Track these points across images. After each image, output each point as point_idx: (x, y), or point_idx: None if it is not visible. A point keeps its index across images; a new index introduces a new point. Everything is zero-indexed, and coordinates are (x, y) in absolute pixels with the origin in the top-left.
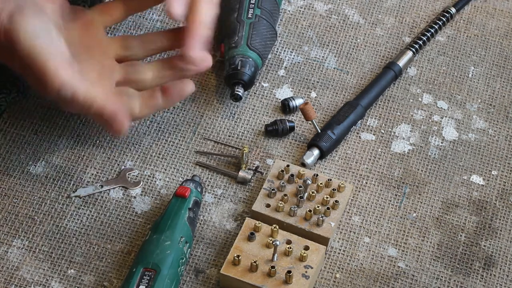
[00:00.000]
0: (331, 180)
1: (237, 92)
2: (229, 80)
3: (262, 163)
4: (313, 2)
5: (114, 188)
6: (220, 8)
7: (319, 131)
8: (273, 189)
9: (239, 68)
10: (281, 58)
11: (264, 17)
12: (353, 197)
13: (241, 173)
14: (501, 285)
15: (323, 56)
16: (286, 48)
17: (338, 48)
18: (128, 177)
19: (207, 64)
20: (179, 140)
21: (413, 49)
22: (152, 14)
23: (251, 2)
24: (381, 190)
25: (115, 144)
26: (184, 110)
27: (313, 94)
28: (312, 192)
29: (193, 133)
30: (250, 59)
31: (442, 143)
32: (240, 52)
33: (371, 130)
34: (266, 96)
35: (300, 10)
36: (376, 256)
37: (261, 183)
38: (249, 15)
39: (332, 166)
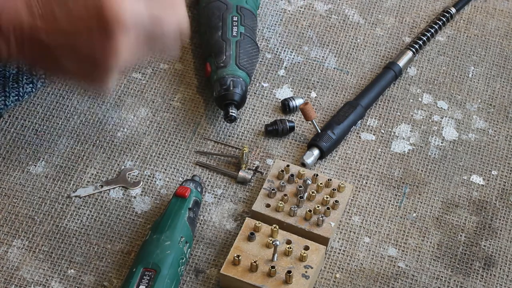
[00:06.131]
0: (331, 180)
1: (232, 113)
2: (221, 101)
3: (262, 163)
4: (313, 2)
5: (114, 188)
6: (202, 26)
7: (319, 131)
8: (273, 189)
9: (231, 88)
10: (281, 58)
11: (248, 35)
12: (353, 197)
13: (241, 173)
14: (501, 285)
15: (323, 56)
16: (286, 48)
17: (338, 48)
18: (128, 177)
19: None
20: (179, 140)
21: (413, 49)
22: None
23: (234, 20)
24: (381, 190)
25: (115, 144)
26: (184, 110)
27: (313, 94)
28: (312, 192)
29: (193, 133)
30: (241, 79)
31: (442, 143)
32: (230, 72)
33: (371, 130)
34: (266, 96)
35: (300, 10)
36: (376, 256)
37: (261, 183)
38: (234, 33)
39: (332, 166)
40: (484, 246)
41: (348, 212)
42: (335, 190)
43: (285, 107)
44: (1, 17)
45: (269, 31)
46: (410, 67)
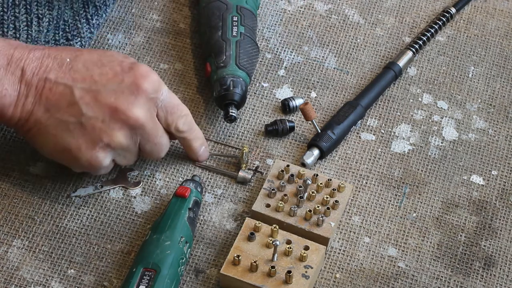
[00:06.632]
0: (331, 180)
1: (232, 113)
2: (221, 101)
3: (262, 163)
4: (313, 2)
5: (114, 188)
6: (202, 26)
7: (319, 131)
8: (273, 189)
9: (231, 88)
10: (281, 58)
11: (248, 35)
12: (353, 197)
13: (241, 173)
14: (501, 285)
15: (323, 56)
16: (286, 48)
17: (338, 48)
18: (128, 177)
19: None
20: None
21: (413, 49)
22: (152, 14)
23: (234, 19)
24: (381, 190)
25: None
26: None
27: (313, 94)
28: (312, 192)
29: None
30: (241, 79)
31: (442, 143)
32: (230, 72)
33: (371, 130)
34: (266, 96)
35: (300, 10)
36: (376, 256)
37: (261, 183)
38: (234, 33)
39: (332, 166)
40: (484, 246)
41: (348, 212)
42: (335, 190)
43: (285, 107)
44: (28, 65)
45: (269, 31)
46: (410, 67)
